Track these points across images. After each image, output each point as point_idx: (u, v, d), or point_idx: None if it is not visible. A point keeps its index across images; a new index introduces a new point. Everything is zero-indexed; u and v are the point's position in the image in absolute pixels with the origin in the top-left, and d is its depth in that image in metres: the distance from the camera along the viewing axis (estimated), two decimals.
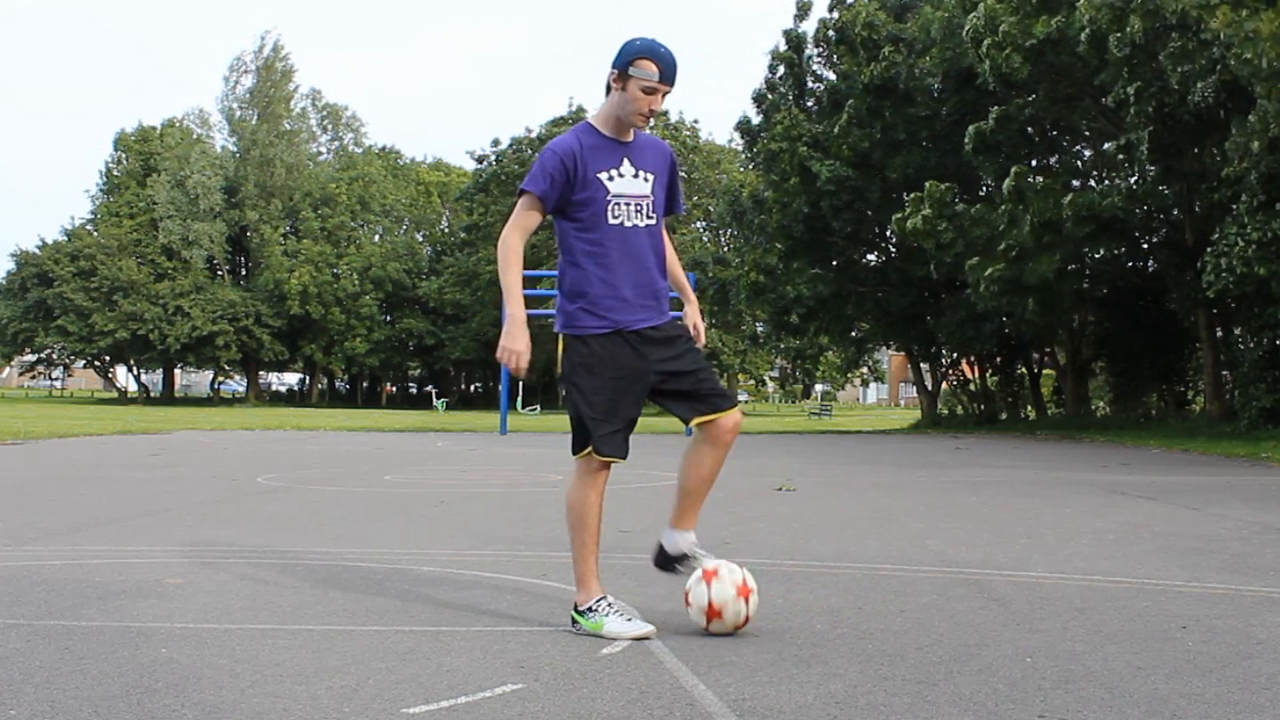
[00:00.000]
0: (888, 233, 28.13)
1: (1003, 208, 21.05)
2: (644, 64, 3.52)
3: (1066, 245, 20.69)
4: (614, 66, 3.55)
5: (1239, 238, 16.79)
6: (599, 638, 3.46)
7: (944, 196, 22.06)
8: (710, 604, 3.50)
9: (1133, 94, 18.72)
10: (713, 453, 3.70)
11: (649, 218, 3.64)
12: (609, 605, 3.56)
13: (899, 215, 23.14)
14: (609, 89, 3.60)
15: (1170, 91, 18.35)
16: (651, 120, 3.63)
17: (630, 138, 3.65)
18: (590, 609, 3.54)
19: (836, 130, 26.16)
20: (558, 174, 3.53)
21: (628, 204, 3.60)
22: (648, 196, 3.65)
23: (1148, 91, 18.74)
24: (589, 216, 3.56)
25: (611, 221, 3.57)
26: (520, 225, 3.58)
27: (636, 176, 3.63)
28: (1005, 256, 20.61)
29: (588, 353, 3.56)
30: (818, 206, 26.67)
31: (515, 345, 3.52)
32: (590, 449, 3.56)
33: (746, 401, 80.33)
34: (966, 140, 22.36)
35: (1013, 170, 20.84)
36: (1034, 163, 25.44)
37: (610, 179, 3.58)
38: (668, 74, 3.55)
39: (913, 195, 22.92)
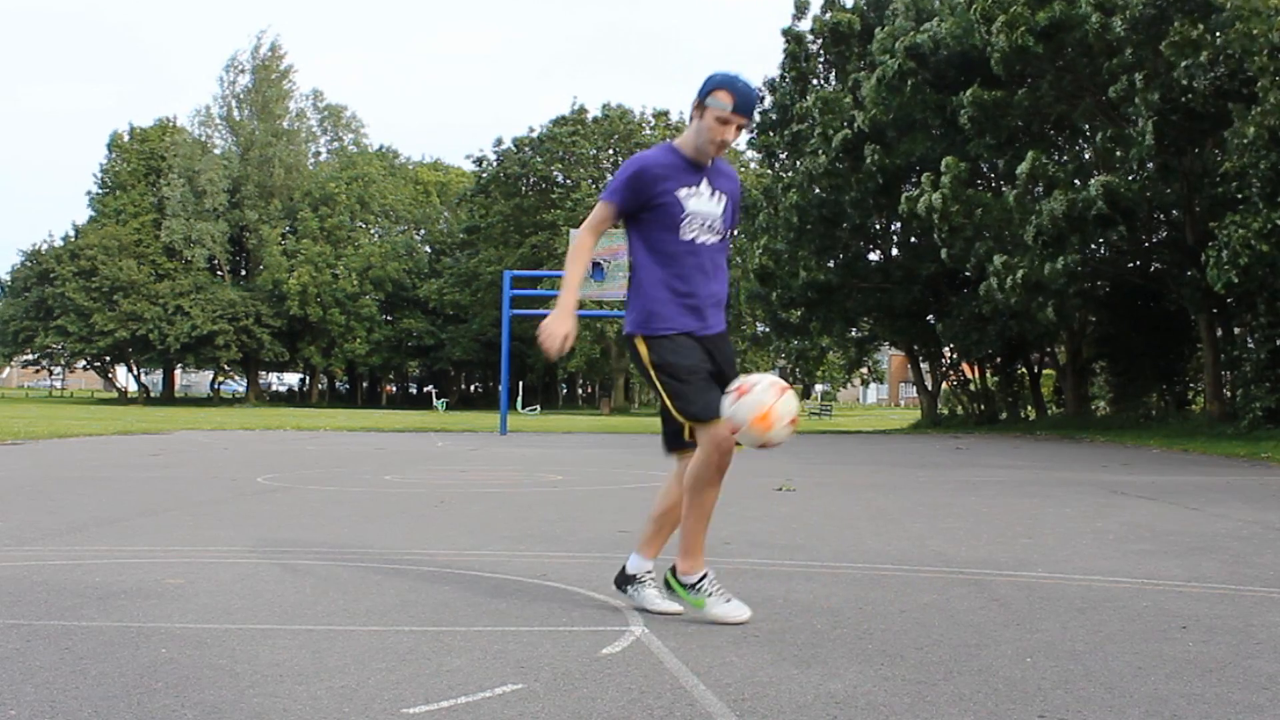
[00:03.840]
0: (893, 228, 28.02)
1: (1013, 194, 20.90)
2: (720, 95, 3.69)
3: (1081, 233, 20.28)
4: (696, 96, 3.74)
5: (1239, 228, 16.76)
6: (704, 618, 3.57)
7: (961, 175, 21.80)
8: (761, 412, 3.49)
9: (1140, 81, 18.62)
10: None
11: (716, 234, 3.84)
12: (711, 583, 3.68)
13: (909, 195, 22.87)
14: (693, 116, 3.80)
15: (1173, 85, 18.29)
16: (726, 150, 3.82)
17: (710, 162, 3.83)
18: (696, 585, 3.68)
19: (865, 91, 25.80)
20: (630, 185, 3.74)
21: (700, 221, 3.79)
22: (719, 216, 3.85)
23: (1154, 83, 18.67)
24: (662, 229, 3.75)
25: (684, 236, 3.76)
26: (594, 227, 3.83)
27: (712, 197, 3.83)
28: (1029, 251, 20.31)
29: (670, 344, 3.71)
30: (836, 189, 26.47)
31: (558, 328, 3.64)
32: (705, 420, 3.61)
33: None
34: (962, 110, 22.18)
35: (1029, 154, 20.69)
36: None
37: (687, 197, 3.76)
38: (741, 105, 3.70)
39: (926, 175, 22.65)
